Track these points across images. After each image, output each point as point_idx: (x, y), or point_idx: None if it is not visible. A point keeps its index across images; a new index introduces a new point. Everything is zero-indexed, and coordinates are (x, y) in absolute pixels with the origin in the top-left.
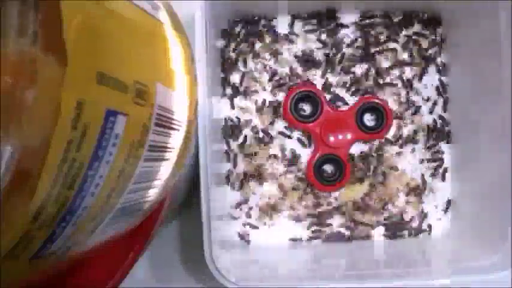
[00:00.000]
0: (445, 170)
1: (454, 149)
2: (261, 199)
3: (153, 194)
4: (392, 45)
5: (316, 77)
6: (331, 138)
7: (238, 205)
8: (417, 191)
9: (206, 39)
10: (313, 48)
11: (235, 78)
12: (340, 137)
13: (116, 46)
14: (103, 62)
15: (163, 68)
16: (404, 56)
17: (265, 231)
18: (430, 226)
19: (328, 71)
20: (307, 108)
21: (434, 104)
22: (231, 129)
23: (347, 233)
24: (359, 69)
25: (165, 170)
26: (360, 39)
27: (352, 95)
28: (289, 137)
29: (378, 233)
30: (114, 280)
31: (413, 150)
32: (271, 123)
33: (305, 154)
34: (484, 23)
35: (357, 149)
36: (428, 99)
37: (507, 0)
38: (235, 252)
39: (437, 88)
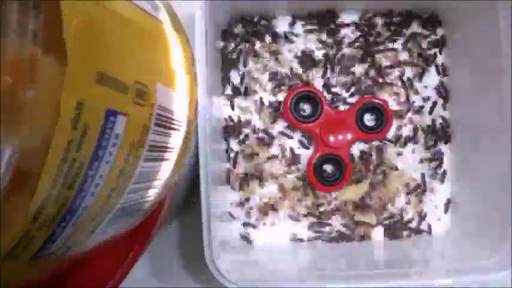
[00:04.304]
0: (445, 170)
1: (454, 149)
2: (260, 199)
3: (153, 194)
4: (392, 45)
5: (316, 77)
6: (331, 138)
7: (238, 205)
8: (417, 191)
9: (206, 39)
10: (313, 48)
11: (235, 78)
12: (340, 137)
13: (116, 46)
14: (103, 62)
15: (164, 68)
16: (404, 56)
17: (265, 231)
18: (430, 226)
19: (328, 71)
20: (307, 108)
21: (434, 104)
22: (231, 129)
23: (347, 233)
24: (359, 69)
25: (165, 170)
26: (360, 39)
27: (352, 95)
28: (289, 137)
29: (378, 233)
30: (114, 280)
31: (413, 150)
32: (272, 123)
33: (305, 154)
34: (484, 23)
35: (357, 149)
36: (428, 99)
37: (507, 0)
38: (236, 253)
39: (437, 88)
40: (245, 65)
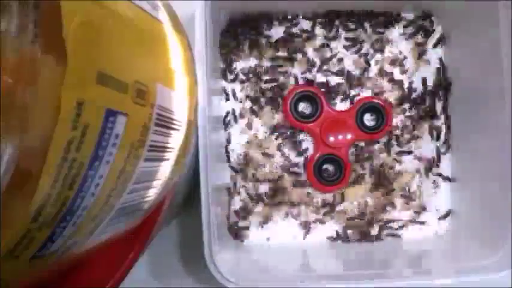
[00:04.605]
0: (445, 170)
1: (454, 149)
2: (261, 199)
3: (153, 194)
4: (392, 44)
5: (316, 77)
6: (331, 138)
7: (238, 205)
8: (417, 191)
9: (206, 39)
10: (313, 48)
11: (235, 77)
12: (340, 137)
13: (116, 46)
14: (103, 61)
15: (164, 68)
16: (404, 54)
17: (266, 231)
18: (430, 226)
19: (328, 70)
20: (307, 108)
21: (434, 104)
22: (231, 129)
23: (347, 233)
24: (359, 69)
25: (165, 170)
26: (360, 39)
27: (352, 95)
28: (289, 136)
29: (378, 232)
30: (114, 280)
31: (413, 150)
32: (271, 123)
33: (305, 154)
34: (484, 23)
35: (357, 149)
36: (428, 99)
37: (507, 0)
38: (236, 253)
39: (437, 88)
40: (245, 65)
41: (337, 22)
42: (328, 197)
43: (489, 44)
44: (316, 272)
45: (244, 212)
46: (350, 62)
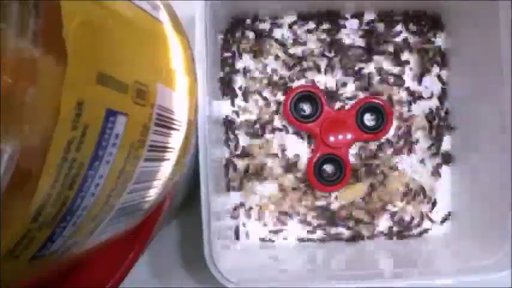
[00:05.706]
0: (445, 170)
1: (454, 150)
2: (260, 199)
3: (153, 194)
4: (392, 45)
5: (316, 77)
6: (331, 138)
7: (238, 205)
8: (417, 191)
9: (206, 39)
10: (313, 48)
11: (235, 78)
12: (340, 137)
13: (116, 46)
14: (103, 62)
15: (164, 68)
16: (405, 56)
17: (265, 231)
18: (430, 226)
19: (328, 71)
20: (307, 108)
21: (435, 104)
22: (231, 129)
23: (347, 233)
24: (359, 69)
25: (165, 170)
26: (360, 40)
27: (352, 95)
28: (289, 137)
29: (378, 233)
30: (114, 280)
31: (413, 150)
32: (271, 123)
33: (305, 154)
34: (484, 23)
35: (357, 149)
36: (428, 100)
37: (507, 0)
38: (235, 252)
39: (437, 89)
40: (245, 65)
41: (338, 22)
42: (328, 197)
43: (489, 44)
44: (316, 272)
45: (245, 212)
46: (350, 62)
